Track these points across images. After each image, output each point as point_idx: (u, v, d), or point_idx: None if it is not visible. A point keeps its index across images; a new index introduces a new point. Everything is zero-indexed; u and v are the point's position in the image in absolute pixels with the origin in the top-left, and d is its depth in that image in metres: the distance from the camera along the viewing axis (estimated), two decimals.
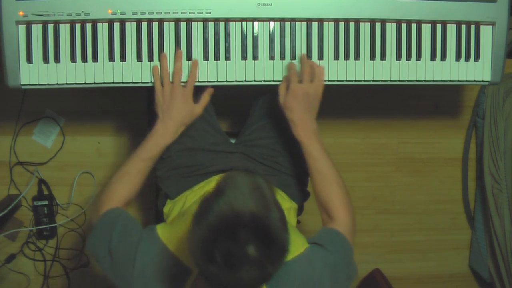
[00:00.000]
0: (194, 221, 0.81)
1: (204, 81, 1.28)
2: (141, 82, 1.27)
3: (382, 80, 1.34)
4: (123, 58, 1.26)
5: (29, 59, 1.24)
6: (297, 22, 1.29)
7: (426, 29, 1.34)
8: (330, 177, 1.21)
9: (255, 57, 1.29)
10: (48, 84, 1.26)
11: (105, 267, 1.04)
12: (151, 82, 1.27)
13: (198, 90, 1.32)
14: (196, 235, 0.78)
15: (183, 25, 1.27)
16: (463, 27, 1.35)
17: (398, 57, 1.34)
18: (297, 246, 1.00)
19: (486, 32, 1.36)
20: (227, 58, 1.28)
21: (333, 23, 1.31)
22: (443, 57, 1.35)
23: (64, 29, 1.25)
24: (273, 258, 0.79)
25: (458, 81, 1.37)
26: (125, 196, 1.18)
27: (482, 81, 1.38)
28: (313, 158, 1.22)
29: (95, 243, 1.07)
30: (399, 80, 1.35)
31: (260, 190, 0.81)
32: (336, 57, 1.31)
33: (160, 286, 0.98)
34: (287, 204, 1.32)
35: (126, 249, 1.02)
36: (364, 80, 1.33)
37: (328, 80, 1.32)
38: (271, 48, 1.29)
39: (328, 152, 1.23)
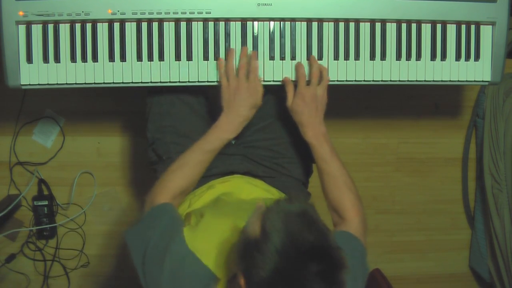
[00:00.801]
0: (243, 264, 0.81)
1: (204, 81, 1.28)
2: (141, 82, 1.27)
3: (382, 80, 1.34)
4: (123, 58, 1.26)
5: (29, 59, 1.24)
6: (297, 22, 1.29)
7: (426, 29, 1.34)
8: (340, 179, 1.21)
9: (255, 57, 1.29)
10: (48, 84, 1.26)
11: (137, 262, 1.03)
12: (151, 82, 1.26)
13: (197, 91, 1.32)
14: (258, 278, 0.78)
15: (183, 25, 1.27)
16: (463, 27, 1.35)
17: (398, 57, 1.34)
18: None
19: (486, 32, 1.36)
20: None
21: (333, 23, 1.31)
22: (443, 57, 1.35)
23: (64, 29, 1.25)
24: (339, 280, 0.79)
25: (458, 81, 1.37)
26: (181, 186, 1.18)
27: (482, 81, 1.38)
28: (323, 161, 1.22)
29: (135, 237, 1.07)
30: (399, 80, 1.35)
31: (310, 216, 0.82)
32: (336, 57, 1.31)
33: None
34: None
35: (158, 250, 1.01)
36: (364, 80, 1.33)
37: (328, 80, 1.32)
38: (271, 48, 1.29)
39: (337, 154, 1.24)
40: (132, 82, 1.27)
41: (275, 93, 1.36)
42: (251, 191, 1.28)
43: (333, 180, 1.22)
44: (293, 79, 1.28)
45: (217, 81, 1.28)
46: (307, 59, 1.30)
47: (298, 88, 1.24)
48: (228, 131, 1.22)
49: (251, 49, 1.28)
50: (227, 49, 1.28)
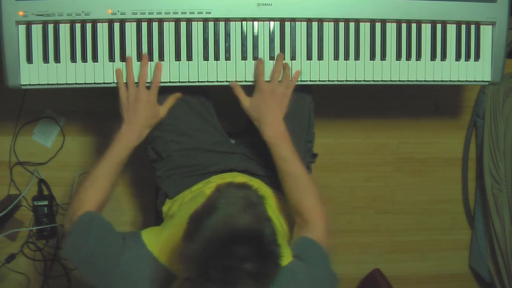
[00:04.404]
0: (185, 237, 0.80)
1: (204, 81, 1.28)
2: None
3: (382, 80, 1.34)
4: (123, 58, 1.26)
5: (29, 59, 1.24)
6: (297, 22, 1.29)
7: (426, 29, 1.34)
8: (301, 180, 1.18)
9: (255, 57, 1.29)
10: (48, 84, 1.26)
11: (84, 272, 1.02)
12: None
13: (197, 91, 1.32)
14: (190, 251, 0.78)
15: (183, 25, 1.27)
16: (463, 27, 1.35)
17: (398, 57, 1.34)
18: (284, 258, 1.00)
19: (486, 32, 1.36)
20: (227, 58, 1.28)
21: (333, 23, 1.31)
22: (443, 57, 1.35)
23: (64, 29, 1.25)
24: (268, 271, 0.79)
25: (458, 81, 1.37)
26: (96, 201, 1.16)
27: (482, 81, 1.38)
28: (284, 160, 1.19)
29: (72, 250, 1.06)
30: (399, 80, 1.35)
31: (253, 204, 0.81)
32: (336, 57, 1.31)
33: None
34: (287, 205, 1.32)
35: (107, 254, 1.01)
36: (364, 80, 1.33)
37: (328, 80, 1.32)
38: (271, 48, 1.29)
39: (297, 154, 1.21)
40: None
41: None
42: None
43: (294, 180, 1.19)
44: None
45: (217, 81, 1.28)
46: (307, 59, 1.30)
47: (257, 84, 1.23)
48: (132, 139, 1.21)
49: (251, 49, 1.28)
50: (227, 49, 1.28)
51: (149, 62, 1.26)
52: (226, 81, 1.29)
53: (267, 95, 1.22)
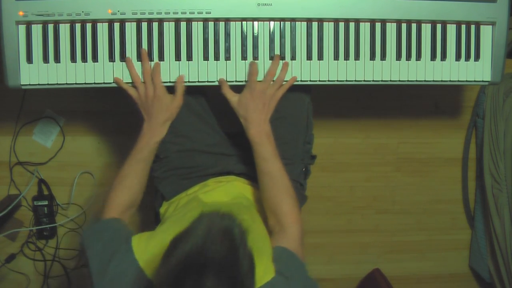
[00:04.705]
0: (164, 257, 0.79)
1: (204, 81, 1.28)
2: (141, 82, 1.27)
3: (382, 80, 1.34)
4: (123, 58, 1.26)
5: (29, 59, 1.24)
6: (297, 22, 1.29)
7: (426, 29, 1.34)
8: (280, 181, 1.18)
9: (255, 57, 1.29)
10: (48, 84, 1.26)
11: (90, 271, 1.04)
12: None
13: (195, 91, 1.32)
14: (163, 273, 0.77)
15: (183, 25, 1.27)
16: (463, 27, 1.35)
17: (398, 57, 1.34)
18: (266, 274, 0.98)
19: (486, 32, 1.36)
20: (227, 58, 1.28)
21: (333, 23, 1.31)
22: (443, 57, 1.35)
23: (64, 29, 1.25)
24: None
25: (458, 81, 1.37)
26: (125, 200, 1.19)
27: (482, 81, 1.38)
28: (264, 160, 1.20)
29: (85, 249, 1.07)
30: (399, 80, 1.35)
31: (232, 236, 0.79)
32: (336, 57, 1.31)
33: None
34: None
35: (99, 260, 1.02)
36: (364, 80, 1.33)
37: (328, 80, 1.32)
38: (271, 48, 1.29)
39: (279, 156, 1.21)
40: (132, 82, 1.27)
41: None
42: (223, 195, 1.27)
43: (272, 181, 1.18)
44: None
45: (217, 81, 1.28)
46: (307, 59, 1.30)
47: (249, 82, 1.24)
48: (153, 136, 1.23)
49: (251, 49, 1.28)
50: (227, 49, 1.28)
51: (149, 62, 1.26)
52: (226, 81, 1.29)
53: (256, 94, 1.22)
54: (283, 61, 1.28)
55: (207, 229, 0.78)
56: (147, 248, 1.02)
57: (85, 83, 1.27)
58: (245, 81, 1.28)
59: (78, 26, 1.25)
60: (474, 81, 1.38)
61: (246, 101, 1.22)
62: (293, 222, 1.14)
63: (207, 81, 1.28)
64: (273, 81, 1.25)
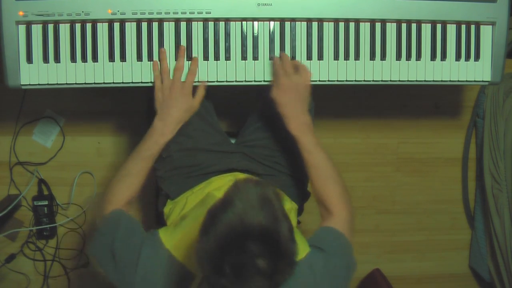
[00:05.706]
0: (202, 231, 0.81)
1: (204, 81, 1.28)
2: (141, 82, 1.27)
3: (382, 80, 1.34)
4: (123, 58, 1.26)
5: (29, 59, 1.24)
6: (297, 22, 1.29)
7: (426, 29, 1.34)
8: (326, 171, 1.19)
9: (255, 57, 1.29)
10: (48, 84, 1.26)
11: (108, 270, 1.04)
12: (151, 82, 1.26)
13: (194, 90, 1.31)
14: (205, 246, 0.78)
15: (183, 25, 1.27)
16: (463, 27, 1.35)
17: (398, 57, 1.34)
18: (300, 251, 1.00)
19: (486, 32, 1.36)
20: (227, 58, 1.28)
21: (333, 23, 1.31)
22: (443, 57, 1.35)
23: (64, 29, 1.25)
24: (282, 269, 0.79)
25: (458, 81, 1.37)
26: (126, 196, 1.18)
27: (482, 81, 1.38)
28: (308, 152, 1.20)
29: (98, 247, 1.07)
30: (399, 80, 1.35)
31: (269, 201, 0.81)
32: (336, 57, 1.31)
33: None
34: (287, 205, 1.32)
35: (128, 253, 1.02)
36: (364, 80, 1.34)
37: (328, 80, 1.32)
38: (271, 48, 1.29)
39: (323, 146, 1.21)
40: (132, 82, 1.27)
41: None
42: None
43: (318, 171, 1.19)
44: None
45: (217, 81, 1.28)
46: (307, 59, 1.30)
47: (278, 80, 1.23)
48: (164, 134, 1.21)
49: (251, 49, 1.28)
50: (227, 49, 1.28)
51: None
52: (226, 81, 1.29)
53: (288, 89, 1.21)
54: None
55: (245, 196, 0.80)
56: (174, 238, 1.03)
57: (85, 83, 1.27)
58: (246, 81, 1.28)
59: (78, 26, 1.25)
60: (474, 81, 1.38)
61: (281, 100, 1.21)
62: (342, 209, 1.16)
63: (207, 81, 1.28)
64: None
